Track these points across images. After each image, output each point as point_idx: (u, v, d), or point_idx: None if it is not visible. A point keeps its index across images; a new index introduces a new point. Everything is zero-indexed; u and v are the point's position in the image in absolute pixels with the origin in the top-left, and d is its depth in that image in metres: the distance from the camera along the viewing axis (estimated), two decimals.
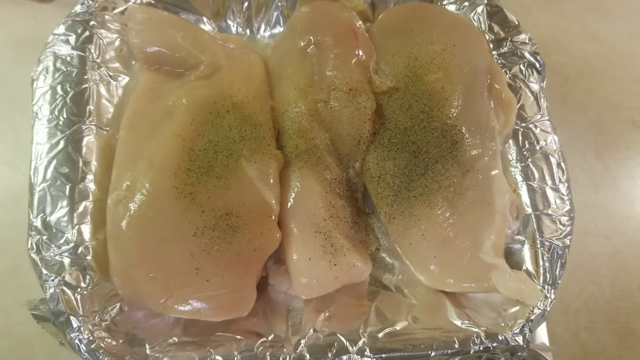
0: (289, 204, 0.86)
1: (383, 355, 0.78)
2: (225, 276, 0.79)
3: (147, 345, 0.78)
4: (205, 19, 1.04)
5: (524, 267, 0.87)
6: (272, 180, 0.85)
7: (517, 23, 1.01)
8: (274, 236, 0.83)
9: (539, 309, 0.83)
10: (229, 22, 1.05)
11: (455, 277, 0.86)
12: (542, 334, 0.91)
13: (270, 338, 0.80)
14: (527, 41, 0.99)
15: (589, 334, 1.01)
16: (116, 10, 0.97)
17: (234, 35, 1.05)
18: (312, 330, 0.81)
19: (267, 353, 0.78)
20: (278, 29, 1.06)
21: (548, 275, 0.85)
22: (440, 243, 0.87)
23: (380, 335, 0.81)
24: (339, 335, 0.80)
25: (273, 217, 0.83)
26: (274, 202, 0.84)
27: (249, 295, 0.81)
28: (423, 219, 0.88)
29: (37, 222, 0.79)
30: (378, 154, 0.92)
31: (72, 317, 0.76)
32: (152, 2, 1.00)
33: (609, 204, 1.11)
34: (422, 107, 0.92)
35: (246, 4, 1.04)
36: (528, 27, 1.04)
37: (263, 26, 1.06)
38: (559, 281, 0.86)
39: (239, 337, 0.80)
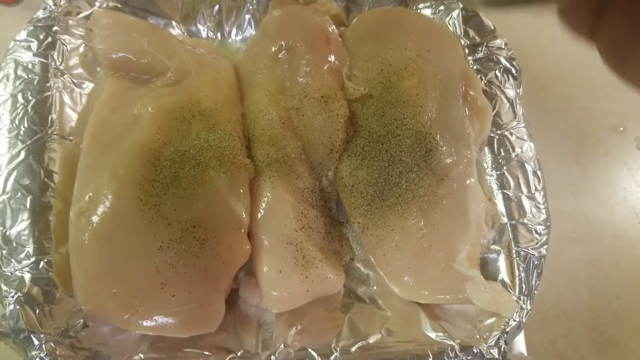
0: (260, 215, 0.84)
1: None
2: (192, 291, 0.77)
3: None
4: (174, 23, 1.01)
5: (499, 277, 0.86)
6: (241, 191, 0.83)
7: (492, 28, 0.99)
8: (243, 249, 0.81)
9: (515, 320, 0.82)
10: (199, 26, 1.02)
11: (430, 289, 0.84)
12: (519, 343, 0.90)
13: (239, 354, 0.79)
14: (502, 46, 0.98)
15: (567, 342, 0.99)
16: (80, 15, 0.94)
17: (204, 39, 1.02)
18: (282, 345, 0.79)
19: None
20: (249, 33, 1.04)
21: (524, 286, 0.84)
22: (414, 254, 0.85)
23: (352, 349, 0.79)
24: (310, 350, 0.78)
25: (242, 230, 0.81)
26: (243, 213, 0.82)
27: (217, 311, 0.78)
28: (397, 229, 0.86)
29: None
30: (351, 163, 0.90)
31: (32, 335, 0.73)
32: (119, 6, 0.97)
33: (588, 210, 1.10)
34: (395, 115, 0.90)
35: (217, 7, 1.01)
36: (507, 31, 1.03)
37: (234, 30, 1.04)
38: (535, 292, 0.85)
39: (207, 353, 0.78)
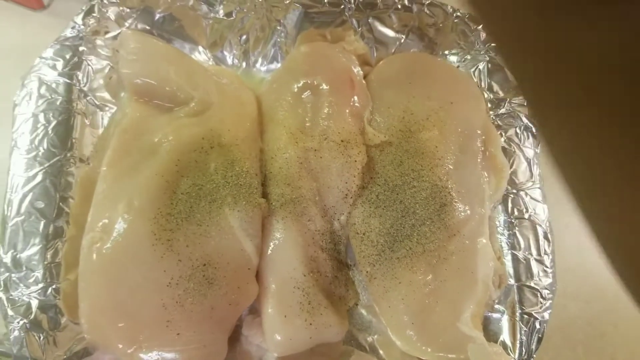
0: (268, 256, 0.84)
1: None
2: (197, 331, 0.77)
3: None
4: (200, 49, 1.01)
5: (501, 338, 0.87)
6: (254, 231, 0.83)
7: (516, 83, 0.99)
8: (250, 290, 0.81)
9: None
10: (226, 53, 1.02)
11: (432, 346, 0.84)
12: None
13: None
14: (525, 104, 0.98)
15: None
16: (108, 35, 0.94)
17: (228, 68, 1.02)
18: None
19: None
20: (275, 65, 1.03)
21: (524, 350, 0.85)
22: (419, 309, 0.85)
23: None
24: None
25: (251, 271, 0.81)
26: (254, 254, 0.82)
27: (219, 352, 0.79)
28: (404, 283, 0.86)
29: (7, 259, 0.77)
30: (365, 210, 0.90)
31: None
32: (148, 27, 0.97)
33: (594, 268, 1.10)
34: (413, 165, 0.90)
35: (244, 36, 1.01)
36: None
37: (260, 60, 1.03)
38: (534, 356, 0.85)
39: None
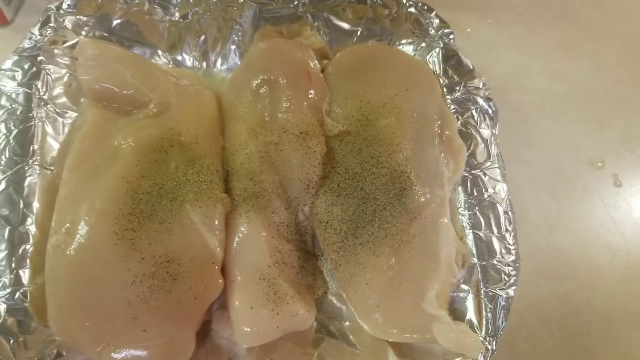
0: (234, 249, 0.85)
1: None
2: (163, 326, 0.78)
3: None
4: (160, 52, 1.03)
5: (467, 317, 0.88)
6: (217, 226, 0.84)
7: (471, 67, 1.01)
8: (215, 284, 0.82)
9: None
10: (185, 55, 1.04)
11: (398, 327, 0.86)
12: None
13: None
14: (480, 86, 1.00)
15: None
16: (66, 44, 0.96)
17: (189, 69, 1.04)
18: None
19: None
20: (234, 63, 1.05)
21: (490, 327, 0.86)
22: (384, 292, 0.86)
23: None
24: None
25: (216, 265, 0.83)
26: (217, 248, 0.83)
27: (187, 345, 0.80)
28: (368, 267, 0.87)
29: None
30: (327, 199, 0.91)
31: None
32: (105, 35, 0.99)
33: (563, 245, 1.11)
34: (372, 153, 0.91)
35: (202, 37, 1.03)
36: (489, 63, 1.04)
37: (219, 60, 1.05)
38: (501, 332, 0.86)
39: None
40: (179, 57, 1.04)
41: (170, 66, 1.03)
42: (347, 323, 0.91)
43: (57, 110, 0.92)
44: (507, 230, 0.91)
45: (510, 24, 1.32)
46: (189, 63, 1.04)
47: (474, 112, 0.98)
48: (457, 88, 1.00)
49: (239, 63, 1.05)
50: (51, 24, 0.94)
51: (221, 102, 0.98)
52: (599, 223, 1.14)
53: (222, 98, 0.99)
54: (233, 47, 1.05)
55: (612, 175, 1.19)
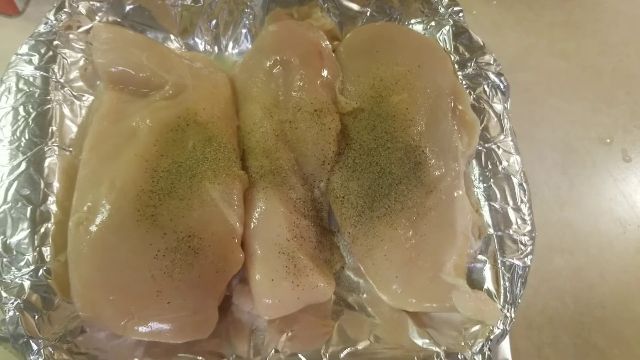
0: (253, 225, 0.86)
1: None
2: (187, 298, 0.79)
3: None
4: (172, 37, 1.04)
5: (485, 287, 0.89)
6: (235, 202, 0.86)
7: (482, 44, 1.02)
8: (236, 258, 0.83)
9: (499, 328, 0.84)
10: (197, 39, 1.05)
11: (417, 297, 0.87)
12: (505, 349, 0.92)
13: (232, 359, 0.81)
14: (491, 62, 1.01)
15: (552, 349, 1.02)
16: (81, 29, 0.97)
17: (201, 53, 1.05)
18: (274, 350, 0.81)
19: None
20: (246, 47, 1.06)
21: (508, 295, 0.87)
22: (402, 263, 0.87)
23: (341, 355, 0.82)
24: (300, 356, 0.81)
25: (236, 239, 0.84)
26: (237, 223, 0.84)
27: (210, 318, 0.81)
28: (386, 240, 0.88)
29: None
30: (342, 174, 0.92)
31: (31, 340, 0.75)
32: (119, 20, 1.00)
33: (574, 220, 1.12)
34: (386, 128, 0.92)
35: (214, 21, 1.04)
36: (496, 44, 1.05)
37: (231, 44, 1.06)
38: (519, 300, 0.87)
39: (200, 358, 0.81)
40: (191, 42, 1.06)
41: (183, 50, 1.04)
42: (365, 295, 0.92)
43: (74, 94, 0.93)
44: (522, 201, 0.92)
45: (515, 4, 1.33)
46: (201, 47, 1.06)
47: (485, 87, 0.99)
48: (469, 64, 1.01)
49: (250, 47, 1.06)
50: (66, 9, 0.95)
51: (234, 84, 0.99)
52: (609, 198, 1.15)
53: (235, 80, 1.00)
54: (244, 30, 1.06)
55: (621, 151, 1.20)
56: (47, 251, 0.81)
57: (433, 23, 1.06)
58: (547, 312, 1.05)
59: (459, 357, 0.81)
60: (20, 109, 0.87)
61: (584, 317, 1.05)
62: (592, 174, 1.17)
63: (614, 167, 1.18)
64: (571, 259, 1.09)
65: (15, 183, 0.82)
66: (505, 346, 0.92)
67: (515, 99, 1.04)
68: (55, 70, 0.92)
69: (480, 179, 0.94)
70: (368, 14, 1.07)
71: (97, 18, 0.98)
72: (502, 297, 0.87)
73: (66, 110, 0.91)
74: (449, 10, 1.04)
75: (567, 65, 1.28)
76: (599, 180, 1.17)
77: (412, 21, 1.08)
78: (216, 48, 1.06)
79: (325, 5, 1.05)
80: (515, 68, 1.23)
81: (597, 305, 1.06)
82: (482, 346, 0.83)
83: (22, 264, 0.79)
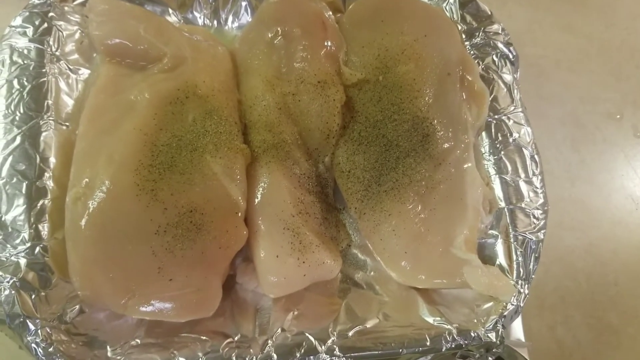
0: (256, 200, 0.83)
1: (353, 354, 0.77)
2: (189, 275, 0.76)
3: (108, 348, 0.75)
4: (170, 11, 1.01)
5: (497, 262, 0.86)
6: (238, 176, 0.83)
7: (489, 13, 0.99)
8: (240, 233, 0.80)
9: (512, 304, 0.81)
10: (196, 13, 1.02)
11: (427, 273, 0.84)
12: (517, 329, 0.90)
13: (236, 338, 0.78)
14: (500, 31, 0.98)
15: (564, 328, 0.99)
16: (76, 2, 0.94)
17: (200, 26, 1.02)
18: (280, 329, 0.79)
19: (233, 354, 0.76)
20: (246, 20, 1.03)
21: (522, 270, 0.84)
22: (411, 238, 0.85)
23: (350, 333, 0.79)
24: (307, 334, 0.78)
25: (239, 214, 0.81)
26: (240, 198, 0.81)
27: (214, 295, 0.78)
28: (394, 214, 0.86)
29: None
30: (348, 148, 0.89)
31: (28, 320, 0.73)
32: None
33: (585, 197, 1.10)
34: (392, 100, 0.89)
35: None
36: (503, 19, 1.02)
37: (230, 17, 1.03)
38: (533, 276, 0.85)
39: (204, 337, 0.78)
40: (190, 16, 1.02)
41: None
42: (372, 273, 0.90)
43: (70, 67, 0.90)
44: (534, 174, 0.89)
45: None
46: (200, 21, 1.03)
47: (494, 57, 0.96)
48: (476, 34, 0.98)
49: (250, 20, 1.03)
50: None
51: (234, 57, 0.96)
52: (620, 174, 1.13)
53: (235, 53, 0.97)
54: (244, 3, 1.03)
55: (632, 126, 1.17)
56: (43, 228, 0.78)
57: None
58: (560, 291, 1.02)
59: (472, 334, 0.79)
60: (15, 82, 0.84)
61: (596, 296, 1.02)
62: (603, 150, 1.14)
63: (624, 143, 1.15)
64: (583, 237, 1.07)
65: (10, 158, 0.80)
66: (517, 326, 0.90)
67: (523, 73, 1.01)
68: (51, 42, 0.89)
69: (491, 151, 0.92)
70: None
71: None
72: (515, 272, 0.84)
73: (62, 84, 0.88)
74: None
75: (574, 39, 1.25)
76: (609, 157, 1.14)
77: None
78: (215, 22, 1.03)
79: None
80: (522, 42, 1.20)
81: (610, 283, 1.03)
82: (496, 323, 0.80)
83: (17, 241, 0.76)
